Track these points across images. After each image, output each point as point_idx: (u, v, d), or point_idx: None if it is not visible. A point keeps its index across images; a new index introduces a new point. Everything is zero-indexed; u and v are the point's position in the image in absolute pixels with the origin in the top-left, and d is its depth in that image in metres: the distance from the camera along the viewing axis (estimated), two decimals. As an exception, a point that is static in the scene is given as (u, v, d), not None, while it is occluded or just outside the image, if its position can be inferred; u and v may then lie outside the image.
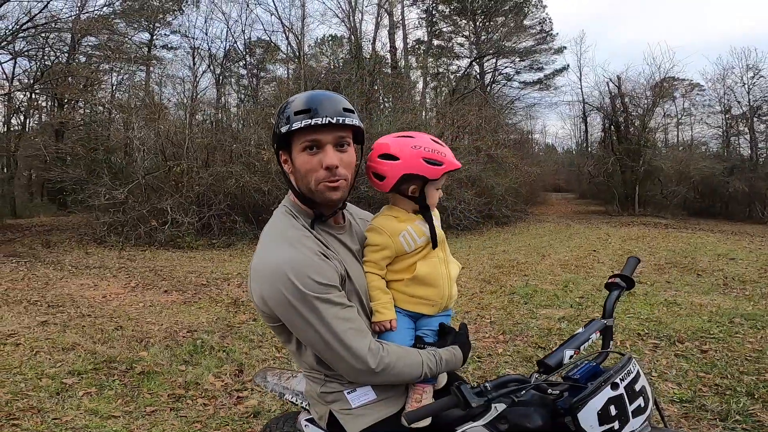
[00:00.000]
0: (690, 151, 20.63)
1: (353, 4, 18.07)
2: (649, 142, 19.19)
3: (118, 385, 3.17)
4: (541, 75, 25.44)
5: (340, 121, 1.13)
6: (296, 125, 1.11)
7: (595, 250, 9.29)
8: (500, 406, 1.15)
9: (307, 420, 1.43)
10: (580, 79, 24.46)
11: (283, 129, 1.13)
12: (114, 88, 17.83)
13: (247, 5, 18.16)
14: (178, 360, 3.62)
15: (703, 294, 5.53)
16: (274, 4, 17.99)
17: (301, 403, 1.50)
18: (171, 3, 19.41)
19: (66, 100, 14.87)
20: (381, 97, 16.99)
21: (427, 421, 1.17)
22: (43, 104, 17.69)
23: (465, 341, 1.28)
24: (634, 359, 1.18)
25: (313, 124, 1.11)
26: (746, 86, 18.95)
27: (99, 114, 15.33)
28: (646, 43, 44.18)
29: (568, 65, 24.58)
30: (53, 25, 12.39)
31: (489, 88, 23.52)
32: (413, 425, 1.12)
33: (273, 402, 2.92)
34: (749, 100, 19.01)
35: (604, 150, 20.75)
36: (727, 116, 20.04)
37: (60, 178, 11.44)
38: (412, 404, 1.22)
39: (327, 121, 1.12)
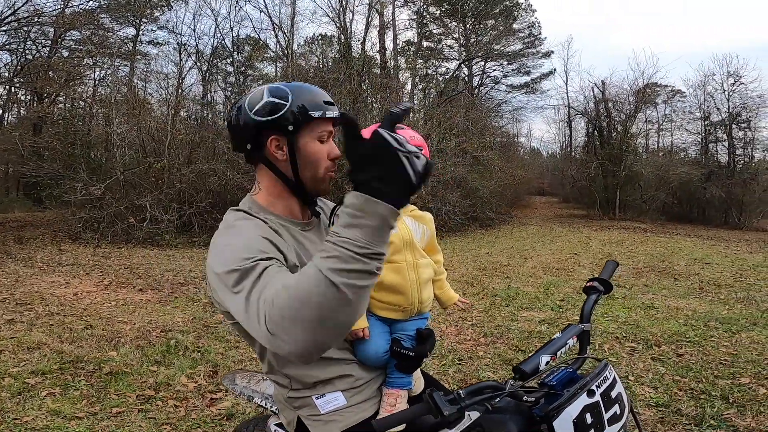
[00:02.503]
0: (670, 156, 21.04)
1: (344, 3, 18.02)
2: (630, 148, 19.52)
3: (83, 385, 3.07)
4: (528, 79, 25.81)
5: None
6: (330, 113, 1.12)
7: (576, 254, 9.39)
8: (474, 414, 1.12)
9: (276, 425, 1.39)
10: (566, 84, 24.85)
11: (316, 114, 1.10)
12: (96, 83, 17.49)
13: (237, 2, 17.99)
14: (150, 360, 3.52)
15: (680, 298, 5.61)
16: (264, 2, 17.76)
17: (271, 407, 1.46)
18: (159, -2, 19.10)
19: (46, 95, 14.51)
20: (369, 97, 16.95)
21: (399, 428, 1.12)
22: (22, 98, 17.23)
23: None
24: (610, 365, 1.16)
25: (338, 115, 1.13)
26: (726, 93, 19.39)
27: (79, 109, 14.99)
28: (632, 48, 45.09)
29: (555, 69, 24.98)
30: (36, 18, 12.08)
31: (477, 90, 23.69)
32: None
33: (248, 405, 2.85)
34: (729, 107, 19.45)
35: (587, 154, 21.05)
36: (706, 123, 20.47)
37: (35, 172, 11.13)
38: (386, 409, 1.18)
39: (340, 114, 1.14)
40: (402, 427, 1.14)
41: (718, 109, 19.85)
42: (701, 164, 19.67)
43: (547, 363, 1.17)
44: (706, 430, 2.55)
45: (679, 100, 22.31)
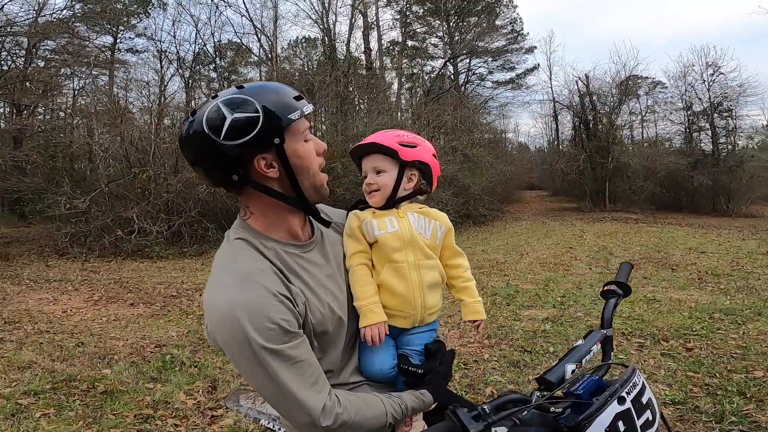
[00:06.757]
0: (655, 147, 21.29)
1: (326, 5, 17.91)
2: (616, 139, 19.72)
3: (78, 405, 2.97)
4: (512, 74, 25.88)
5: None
6: (307, 109, 0.99)
7: (571, 247, 9.40)
8: (501, 430, 1.04)
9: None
10: (550, 78, 24.85)
11: (294, 116, 0.96)
12: (75, 93, 17.18)
13: (217, 7, 17.78)
14: (145, 377, 3.40)
15: (680, 289, 5.59)
16: (245, 6, 17.51)
17: (278, 429, 1.38)
18: (136, 6, 18.85)
19: (24, 106, 14.20)
20: (356, 99, 16.86)
21: None
22: (0, 110, 16.88)
23: (445, 374, 1.13)
24: (638, 370, 1.12)
25: (312, 108, 1.02)
26: (706, 83, 19.65)
27: (60, 120, 14.70)
28: (612, 41, 45.62)
29: (539, 65, 25.05)
30: (8, 29, 11.79)
31: (463, 88, 23.73)
32: None
33: (252, 424, 2.74)
34: (709, 96, 19.71)
35: (575, 147, 21.19)
36: (688, 113, 20.73)
37: (17, 187, 10.86)
38: (402, 429, 1.11)
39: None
40: None
41: (699, 99, 20.14)
42: (686, 153, 19.92)
43: (573, 372, 1.11)
44: (728, 427, 2.49)
45: (660, 91, 22.60)
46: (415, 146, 1.15)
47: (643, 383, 1.09)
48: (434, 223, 1.18)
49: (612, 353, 1.24)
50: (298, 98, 0.99)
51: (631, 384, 1.06)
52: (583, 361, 1.14)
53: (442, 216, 1.21)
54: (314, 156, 1.03)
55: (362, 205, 1.20)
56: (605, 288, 1.37)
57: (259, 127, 0.93)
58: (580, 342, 1.19)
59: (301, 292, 0.98)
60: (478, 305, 1.21)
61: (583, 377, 1.13)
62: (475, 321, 1.22)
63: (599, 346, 1.20)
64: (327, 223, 1.11)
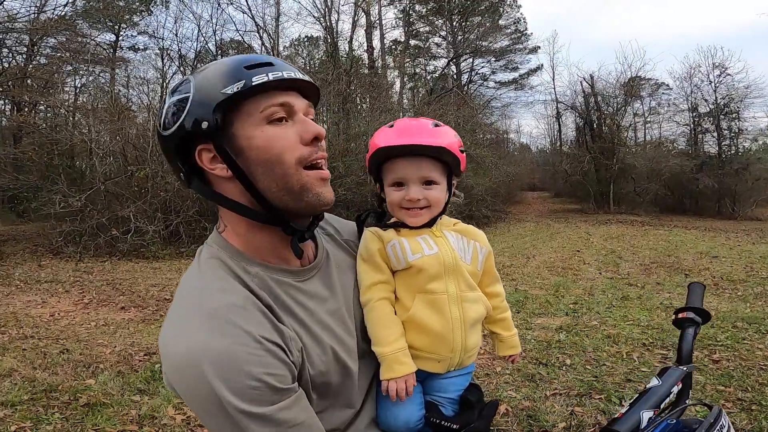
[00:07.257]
0: (659, 148, 21.06)
1: (329, 3, 17.72)
2: (621, 141, 19.50)
3: (57, 418, 2.77)
4: (516, 75, 25.70)
5: (315, 83, 0.77)
6: (259, 78, 0.71)
7: (578, 250, 9.18)
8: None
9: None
10: (553, 79, 24.56)
11: (231, 88, 0.70)
12: (77, 90, 17.05)
13: (219, 5, 17.63)
14: (132, 389, 3.18)
15: (697, 295, 5.35)
16: (248, 4, 17.34)
17: None
18: (138, 3, 18.72)
19: (24, 103, 14.05)
20: (358, 98, 16.67)
21: None
22: (1, 107, 16.75)
23: (486, 430, 0.90)
24: (724, 411, 0.94)
25: (286, 77, 0.73)
26: (713, 84, 19.40)
27: (61, 117, 14.57)
28: (618, 42, 45.48)
29: (542, 65, 24.84)
30: (9, 25, 11.64)
31: (466, 88, 23.56)
32: None
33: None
34: (716, 98, 19.46)
35: (579, 148, 20.97)
36: (694, 114, 20.48)
37: (12, 185, 10.67)
38: None
39: (301, 77, 0.75)
40: None
41: (705, 100, 19.89)
42: (691, 155, 19.69)
43: (650, 419, 0.90)
44: (767, 446, 2.30)
45: (663, 93, 22.37)
46: (464, 151, 0.94)
47: (729, 425, 0.92)
48: (474, 245, 0.94)
49: (690, 391, 1.02)
50: (253, 66, 0.73)
51: (717, 427, 0.89)
52: (662, 405, 0.93)
53: (481, 235, 0.98)
54: (288, 144, 0.74)
55: (382, 221, 0.94)
56: (680, 316, 1.14)
57: (187, 109, 0.73)
58: (654, 382, 0.96)
59: (296, 335, 0.73)
60: (514, 338, 1.01)
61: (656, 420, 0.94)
62: (510, 356, 1.02)
63: (680, 386, 0.98)
64: (300, 252, 0.79)
